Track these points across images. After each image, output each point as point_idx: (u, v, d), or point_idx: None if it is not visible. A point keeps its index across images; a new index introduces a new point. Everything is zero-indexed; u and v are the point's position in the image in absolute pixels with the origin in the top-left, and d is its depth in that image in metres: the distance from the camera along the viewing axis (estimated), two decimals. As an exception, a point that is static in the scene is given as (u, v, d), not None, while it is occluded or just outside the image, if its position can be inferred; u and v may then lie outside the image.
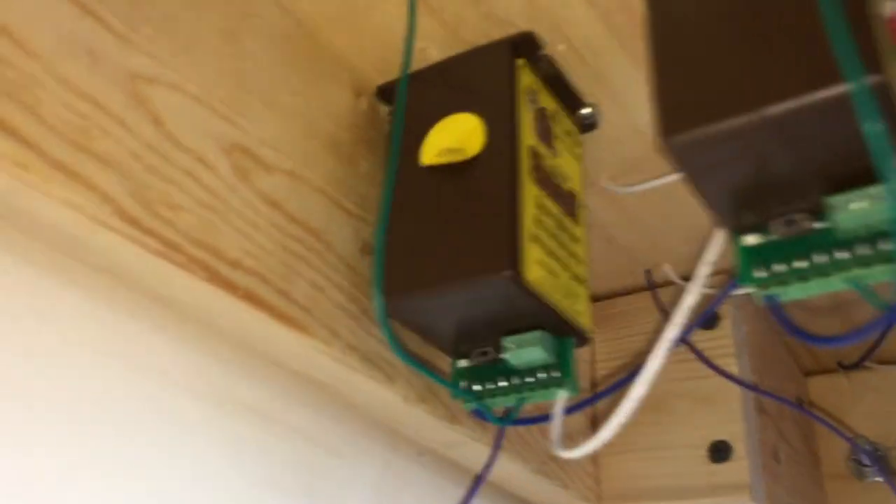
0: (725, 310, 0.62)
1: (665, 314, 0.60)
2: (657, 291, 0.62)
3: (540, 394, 0.43)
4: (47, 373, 0.34)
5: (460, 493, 0.56)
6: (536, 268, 0.40)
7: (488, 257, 0.38)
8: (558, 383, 0.42)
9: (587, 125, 0.48)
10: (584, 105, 0.48)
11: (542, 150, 0.43)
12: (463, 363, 0.45)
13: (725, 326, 0.61)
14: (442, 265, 0.39)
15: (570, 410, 0.44)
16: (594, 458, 0.63)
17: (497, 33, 0.44)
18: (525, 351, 0.41)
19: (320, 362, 0.41)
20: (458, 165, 0.41)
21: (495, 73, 0.43)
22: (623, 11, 0.41)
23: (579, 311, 0.43)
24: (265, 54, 0.41)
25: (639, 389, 0.33)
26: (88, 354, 0.36)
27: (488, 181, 0.40)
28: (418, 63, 0.46)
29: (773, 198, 0.32)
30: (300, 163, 0.41)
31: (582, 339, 0.43)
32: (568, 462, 0.59)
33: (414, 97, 0.45)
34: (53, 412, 0.34)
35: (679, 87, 0.30)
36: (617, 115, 0.49)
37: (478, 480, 0.49)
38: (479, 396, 0.43)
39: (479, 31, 0.44)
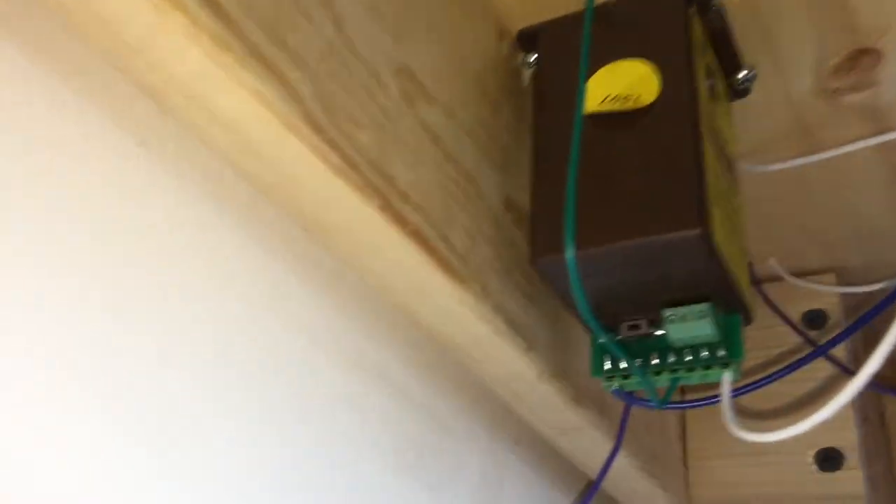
0: (832, 308, 0.59)
1: (776, 311, 0.56)
2: (763, 287, 0.59)
3: (699, 374, 0.39)
4: (178, 308, 0.30)
5: (555, 486, 0.52)
6: (720, 230, 0.36)
7: (676, 213, 0.35)
8: (724, 363, 0.38)
9: (740, 90, 0.45)
10: (742, 67, 0.44)
11: (711, 107, 0.40)
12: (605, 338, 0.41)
13: (833, 326, 0.58)
14: (620, 220, 0.35)
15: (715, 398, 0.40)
16: (684, 460, 0.59)
17: (669, -24, 0.40)
18: (691, 325, 0.38)
19: (467, 320, 0.37)
20: (628, 114, 0.38)
21: (669, 19, 0.40)
22: (822, -43, 0.38)
23: (746, 285, 0.39)
24: (428, -27, 0.37)
25: (874, 365, 0.30)
26: (232, 289, 0.31)
27: (668, 132, 0.37)
28: (572, 4, 0.42)
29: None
30: (455, 99, 0.37)
31: (748, 317, 0.39)
32: (667, 463, 0.55)
33: (566, 42, 0.41)
34: (185, 349, 0.30)
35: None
36: (772, 83, 0.46)
37: (603, 470, 0.45)
38: (636, 373, 0.39)
39: (649, -27, 0.40)
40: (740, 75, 0.44)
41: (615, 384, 0.41)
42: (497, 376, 0.41)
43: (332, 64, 0.29)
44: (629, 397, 0.41)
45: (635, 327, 0.40)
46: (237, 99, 0.26)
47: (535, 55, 0.44)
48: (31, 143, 0.25)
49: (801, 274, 0.59)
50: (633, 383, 0.40)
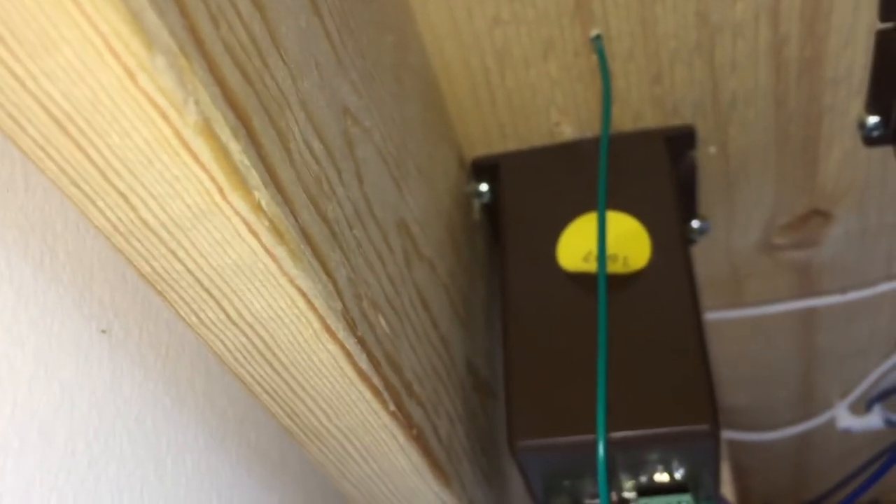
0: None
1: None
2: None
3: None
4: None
5: None
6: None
7: (684, 404, 0.32)
8: (700, 560, 0.36)
9: (689, 239, 0.43)
10: (697, 216, 0.43)
11: (686, 268, 0.38)
12: (562, 524, 0.37)
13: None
14: (618, 407, 0.32)
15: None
16: None
17: (651, 119, 0.38)
18: (670, 517, 0.35)
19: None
20: (616, 278, 0.35)
21: (653, 168, 0.37)
22: (811, 120, 0.37)
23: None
24: (415, 101, 0.32)
25: None
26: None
27: (665, 307, 0.34)
28: (542, 138, 0.39)
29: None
30: (435, 249, 0.32)
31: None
32: None
33: (532, 181, 0.38)
34: None
35: None
36: (717, 233, 0.44)
37: None
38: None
39: (631, 114, 0.38)
40: (695, 225, 0.43)
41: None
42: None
43: (359, 231, 0.24)
44: None
45: (601, 513, 0.36)
46: (274, 297, 0.20)
47: (488, 187, 0.40)
48: None
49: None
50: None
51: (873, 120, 0.37)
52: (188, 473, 0.24)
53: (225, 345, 0.21)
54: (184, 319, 0.20)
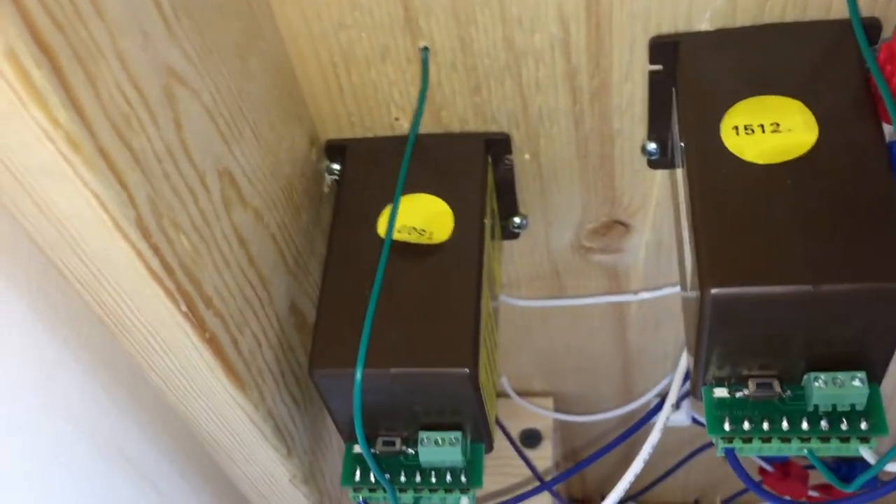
0: (546, 430, 0.65)
1: (504, 431, 0.61)
2: (490, 400, 0.64)
3: (439, 497, 0.42)
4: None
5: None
6: (483, 370, 0.39)
7: (450, 350, 0.38)
8: (463, 488, 0.42)
9: (511, 233, 0.50)
10: (517, 213, 0.49)
11: (490, 247, 0.44)
12: (358, 450, 0.42)
13: (546, 445, 0.64)
14: (401, 349, 0.38)
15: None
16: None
17: (474, 124, 0.44)
18: (442, 450, 0.40)
19: (239, 424, 0.37)
20: (421, 247, 0.41)
21: (470, 165, 0.43)
22: (605, 140, 0.44)
23: (493, 419, 0.43)
24: (262, 79, 0.38)
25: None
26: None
27: (454, 274, 0.40)
28: (384, 129, 0.45)
29: (757, 359, 0.35)
30: (264, 203, 0.38)
31: (490, 446, 0.43)
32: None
33: (372, 162, 0.44)
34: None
35: (730, 247, 0.32)
36: (537, 231, 0.50)
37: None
38: (387, 488, 0.41)
39: (458, 118, 0.44)
40: (516, 221, 0.49)
41: (361, 496, 0.42)
42: (250, 477, 0.41)
43: (167, 166, 0.29)
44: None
45: (390, 444, 0.42)
46: (75, 199, 0.25)
47: (339, 166, 0.46)
48: None
49: (523, 394, 0.65)
50: (378, 497, 0.42)
51: (653, 146, 0.43)
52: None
53: (42, 236, 0.27)
54: (8, 209, 0.26)
